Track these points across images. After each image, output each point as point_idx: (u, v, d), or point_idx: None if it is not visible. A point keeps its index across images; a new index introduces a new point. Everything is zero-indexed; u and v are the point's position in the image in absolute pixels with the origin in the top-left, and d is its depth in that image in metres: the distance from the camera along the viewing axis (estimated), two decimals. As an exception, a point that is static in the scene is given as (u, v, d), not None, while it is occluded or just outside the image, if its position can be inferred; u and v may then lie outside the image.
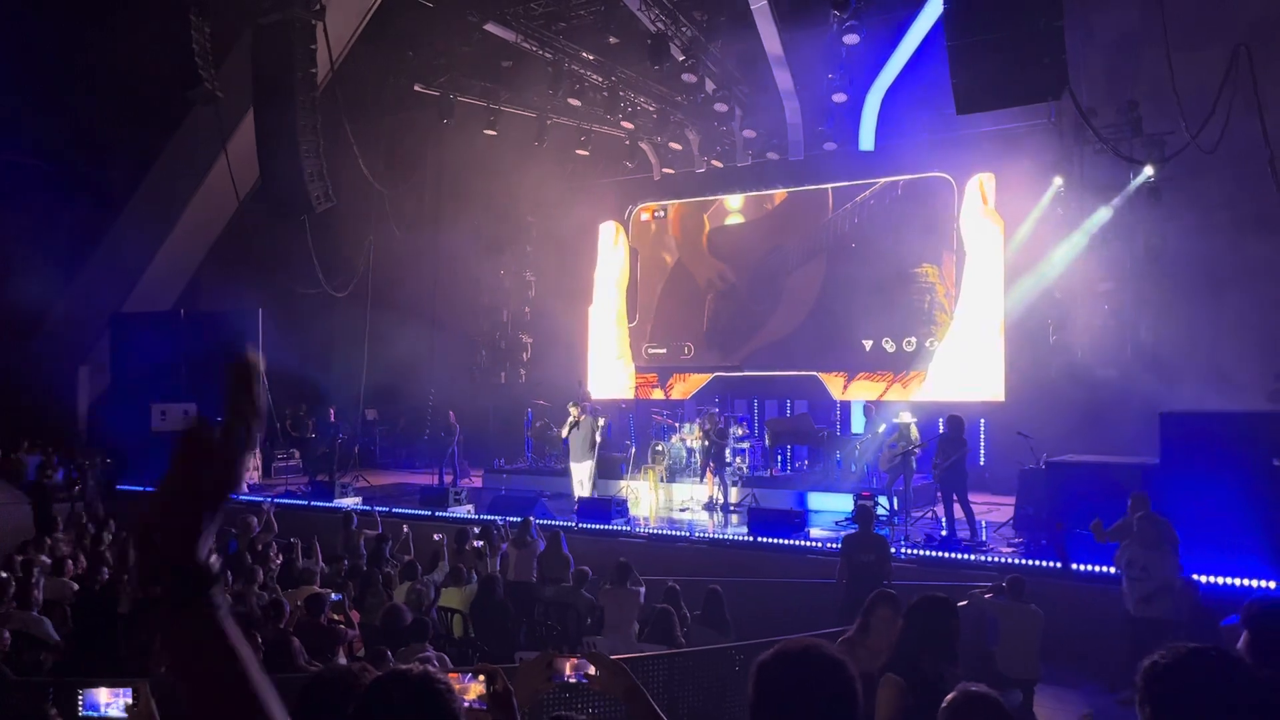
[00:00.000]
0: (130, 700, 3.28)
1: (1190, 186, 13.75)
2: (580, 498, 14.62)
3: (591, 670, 2.54)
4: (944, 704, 2.64)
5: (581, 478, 15.04)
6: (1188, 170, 13.08)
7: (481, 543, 11.01)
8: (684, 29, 15.24)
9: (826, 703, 2.10)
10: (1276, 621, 3.08)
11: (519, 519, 11.59)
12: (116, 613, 8.13)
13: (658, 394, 20.18)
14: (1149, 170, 13.85)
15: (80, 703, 3.34)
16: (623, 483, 15.66)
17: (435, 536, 11.28)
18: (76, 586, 9.42)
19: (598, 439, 15.23)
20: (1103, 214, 14.42)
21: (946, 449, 12.02)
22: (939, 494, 12.37)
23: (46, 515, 15.46)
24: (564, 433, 15.33)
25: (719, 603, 8.67)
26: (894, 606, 4.64)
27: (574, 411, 15.13)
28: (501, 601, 9.21)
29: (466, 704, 2.27)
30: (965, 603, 7.67)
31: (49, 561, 10.10)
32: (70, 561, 10.22)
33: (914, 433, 13.36)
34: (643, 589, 9.33)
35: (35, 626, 7.67)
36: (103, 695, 3.29)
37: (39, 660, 7.04)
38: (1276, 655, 2.93)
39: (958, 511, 12.00)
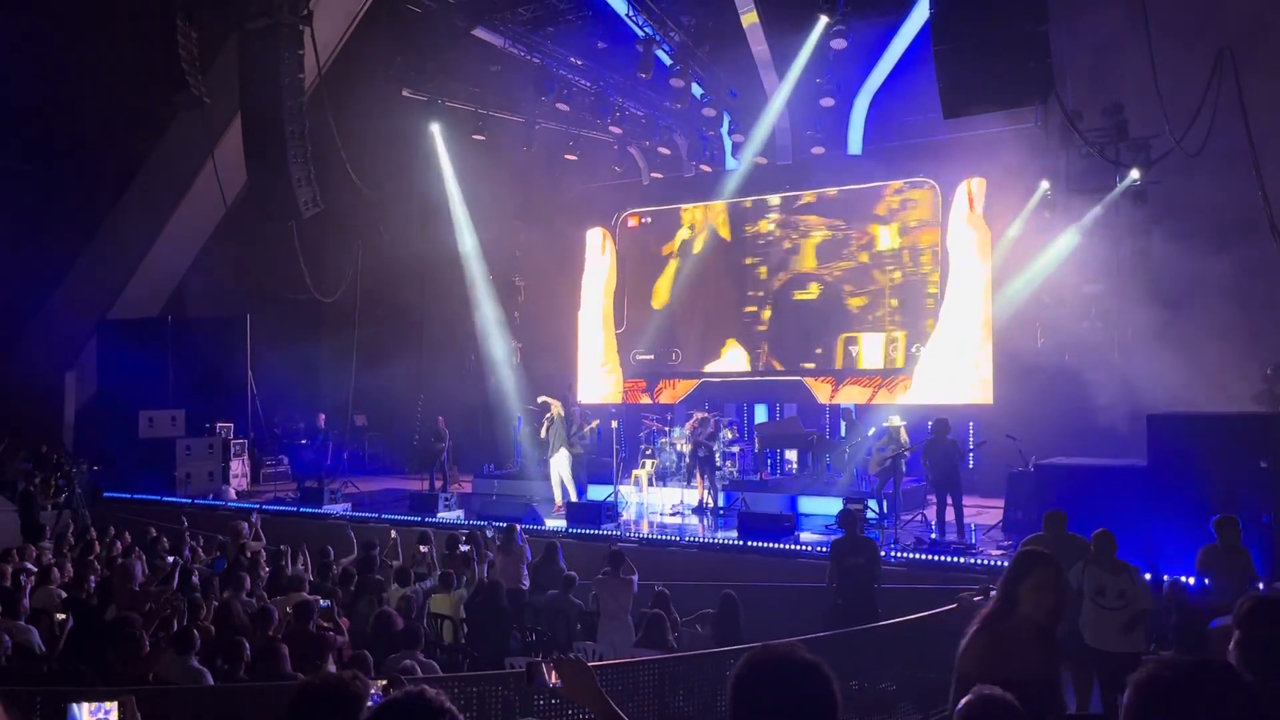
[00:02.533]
0: (115, 717, 3.25)
1: (1176, 189, 13.83)
2: (568, 502, 14.62)
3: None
4: (959, 707, 2.59)
5: (560, 470, 15.12)
6: (1173, 173, 13.16)
7: (468, 547, 10.99)
8: (672, 34, 15.26)
9: (804, 708, 2.09)
10: (1268, 622, 3.08)
11: (505, 524, 11.58)
12: (103, 621, 8.08)
13: (646, 399, 20.18)
14: (1135, 173, 13.93)
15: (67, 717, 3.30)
16: (611, 487, 15.64)
17: (422, 548, 11.19)
18: (64, 595, 9.36)
19: (585, 432, 15.55)
20: (1089, 217, 14.49)
21: (931, 451, 12.09)
22: (931, 496, 12.42)
23: (33, 523, 15.37)
24: (543, 431, 15.41)
25: (734, 608, 8.67)
26: (1051, 569, 3.75)
27: (556, 407, 15.25)
28: (503, 608, 9.21)
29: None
30: (954, 606, 7.69)
31: (35, 570, 10.03)
32: (56, 570, 10.15)
33: (903, 436, 13.40)
34: (635, 577, 9.46)
35: (22, 636, 7.61)
36: (84, 712, 3.25)
37: (29, 669, 6.99)
38: (1268, 656, 2.93)
39: (949, 514, 12.07)
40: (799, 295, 18.79)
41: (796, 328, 18.68)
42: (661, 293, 20.33)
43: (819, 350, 18.43)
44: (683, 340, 19.98)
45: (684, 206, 20.13)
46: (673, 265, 20.23)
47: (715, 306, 19.69)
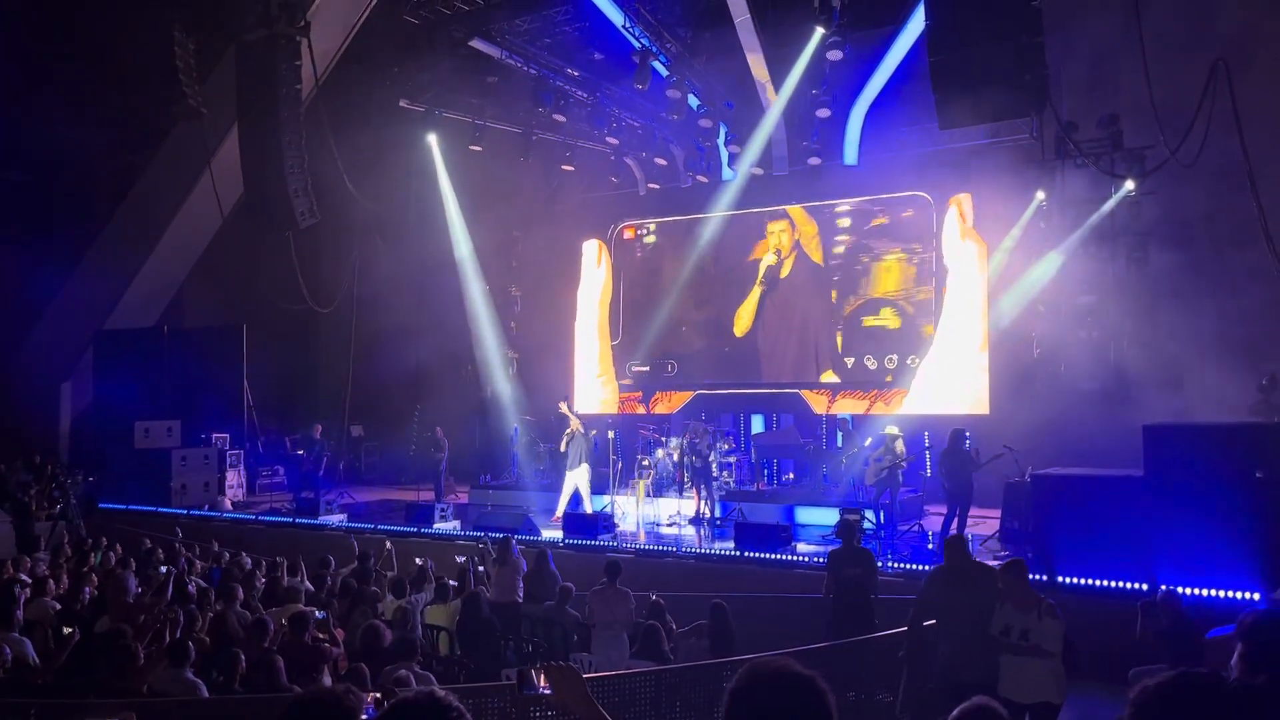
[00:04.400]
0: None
1: (1171, 200, 13.87)
2: (567, 513, 14.59)
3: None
4: (954, 714, 2.58)
5: (580, 483, 15.13)
6: (1168, 184, 13.19)
7: (464, 558, 10.96)
8: (669, 45, 15.31)
9: None
10: (1270, 635, 3.09)
11: (501, 535, 11.54)
12: (94, 632, 8.05)
13: (642, 409, 20.15)
14: (1129, 184, 13.97)
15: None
16: (608, 497, 15.63)
17: (418, 560, 11.13)
18: (59, 607, 9.33)
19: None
20: (1085, 228, 14.53)
21: (947, 461, 12.08)
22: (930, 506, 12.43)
23: (28, 534, 15.32)
24: (563, 446, 15.41)
25: (725, 616, 8.65)
26: None
27: (574, 422, 15.25)
28: (487, 619, 9.18)
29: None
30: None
31: (29, 581, 9.99)
32: (51, 581, 10.11)
33: (900, 446, 13.39)
34: (630, 591, 9.38)
35: (16, 648, 7.57)
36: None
37: (24, 681, 6.95)
38: (1270, 668, 2.93)
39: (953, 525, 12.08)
40: (869, 321, 18.03)
41: (870, 355, 17.79)
42: (743, 320, 19.31)
43: (890, 377, 17.62)
44: (765, 371, 19.10)
45: (770, 228, 18.99)
46: (756, 292, 19.10)
47: (806, 335, 18.69)
